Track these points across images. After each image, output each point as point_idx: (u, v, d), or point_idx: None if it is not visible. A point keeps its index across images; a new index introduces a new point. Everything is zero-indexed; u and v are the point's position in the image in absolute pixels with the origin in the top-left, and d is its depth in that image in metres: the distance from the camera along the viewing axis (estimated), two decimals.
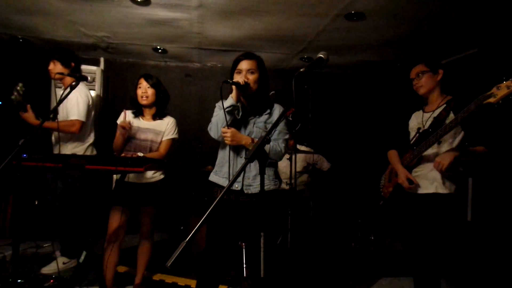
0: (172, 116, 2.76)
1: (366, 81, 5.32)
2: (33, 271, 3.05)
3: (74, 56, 3.16)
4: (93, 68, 4.48)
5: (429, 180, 2.19)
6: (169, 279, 3.09)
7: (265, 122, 2.14)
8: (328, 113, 5.23)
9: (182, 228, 3.82)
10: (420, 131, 2.27)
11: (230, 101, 2.06)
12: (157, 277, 3.13)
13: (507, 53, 3.52)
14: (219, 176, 2.18)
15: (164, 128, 2.69)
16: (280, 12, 3.14)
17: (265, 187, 2.03)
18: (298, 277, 3.21)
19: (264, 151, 1.44)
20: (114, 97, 4.80)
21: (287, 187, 4.03)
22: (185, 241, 1.12)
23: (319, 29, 3.50)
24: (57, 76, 3.01)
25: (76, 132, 3.05)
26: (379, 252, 3.94)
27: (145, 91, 2.62)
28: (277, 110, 2.18)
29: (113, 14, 3.28)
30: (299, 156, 4.05)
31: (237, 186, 2.10)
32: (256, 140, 2.04)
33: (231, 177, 2.12)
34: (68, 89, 2.39)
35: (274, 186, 2.17)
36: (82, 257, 3.16)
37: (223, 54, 4.51)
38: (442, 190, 2.16)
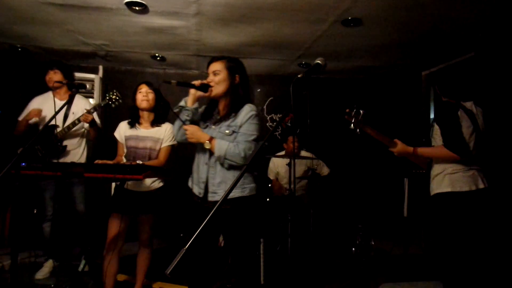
0: (170, 123, 2.76)
1: (364, 86, 5.34)
2: (31, 281, 3.03)
3: (71, 70, 3.28)
4: (92, 76, 4.50)
5: (439, 180, 2.22)
6: (168, 287, 3.07)
7: (229, 125, 2.04)
8: (326, 118, 5.23)
9: (181, 235, 3.80)
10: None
11: (181, 103, 2.12)
12: (156, 285, 3.10)
13: (504, 56, 3.54)
14: (192, 182, 2.20)
15: (163, 135, 2.68)
16: (278, 19, 3.16)
17: (230, 194, 2.02)
18: (298, 283, 3.19)
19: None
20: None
21: (286, 193, 4.02)
22: (184, 248, 1.12)
23: (317, 35, 3.52)
24: (56, 84, 3.04)
25: None
26: (379, 258, 3.92)
27: (145, 94, 2.63)
28: (245, 110, 2.04)
29: (112, 22, 3.30)
30: (299, 161, 4.05)
31: (199, 192, 2.09)
32: (215, 139, 2.00)
33: (196, 183, 2.13)
34: (65, 98, 2.40)
35: (241, 193, 2.02)
36: (82, 266, 3.15)
37: None
38: (450, 188, 2.15)
